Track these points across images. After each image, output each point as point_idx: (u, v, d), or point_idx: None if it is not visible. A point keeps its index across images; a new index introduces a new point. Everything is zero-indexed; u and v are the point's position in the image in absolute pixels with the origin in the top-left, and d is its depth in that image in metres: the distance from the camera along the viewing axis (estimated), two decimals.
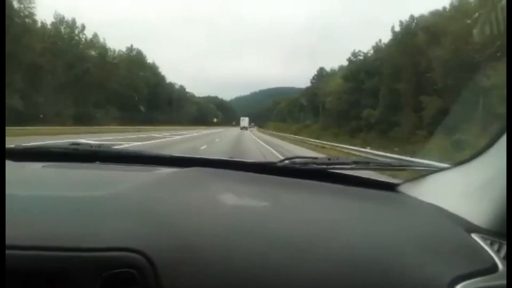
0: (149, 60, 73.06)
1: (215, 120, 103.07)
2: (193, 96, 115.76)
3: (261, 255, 0.64)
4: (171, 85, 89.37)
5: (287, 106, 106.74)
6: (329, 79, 63.32)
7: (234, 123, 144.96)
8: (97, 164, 1.17)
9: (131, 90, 57.47)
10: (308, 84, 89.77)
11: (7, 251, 0.56)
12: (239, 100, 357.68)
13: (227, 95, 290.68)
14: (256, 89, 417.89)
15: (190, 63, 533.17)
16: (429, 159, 6.24)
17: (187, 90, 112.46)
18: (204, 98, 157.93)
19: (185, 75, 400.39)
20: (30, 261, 0.57)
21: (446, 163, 1.07)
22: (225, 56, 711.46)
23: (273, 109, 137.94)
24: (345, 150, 17.47)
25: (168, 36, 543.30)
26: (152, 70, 72.15)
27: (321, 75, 79.18)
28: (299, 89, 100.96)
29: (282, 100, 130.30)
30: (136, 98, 56.62)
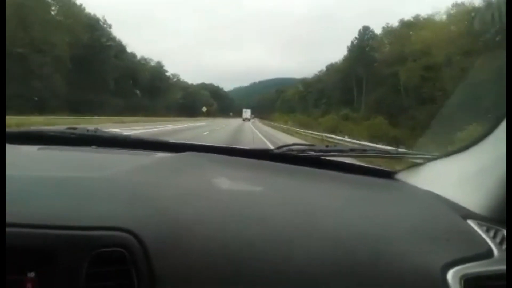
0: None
1: (204, 109, 74.60)
2: (179, 80, 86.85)
3: (254, 239, 0.62)
4: (134, 56, 60.51)
5: (296, 93, 79.43)
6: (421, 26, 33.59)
7: (231, 113, 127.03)
8: (93, 148, 1.13)
9: (28, 47, 28.42)
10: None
11: None
12: (238, 90, 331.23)
13: (226, 86, 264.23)
14: (256, 79, 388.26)
15: (188, 53, 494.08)
16: None
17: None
18: (197, 85, 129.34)
19: (182, 64, 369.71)
20: (18, 238, 0.56)
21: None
22: (224, 46, 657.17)
23: (276, 99, 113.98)
24: None
25: (164, 24, 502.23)
26: (86, 21, 42.61)
27: (363, 40, 49.21)
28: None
29: (287, 89, 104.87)
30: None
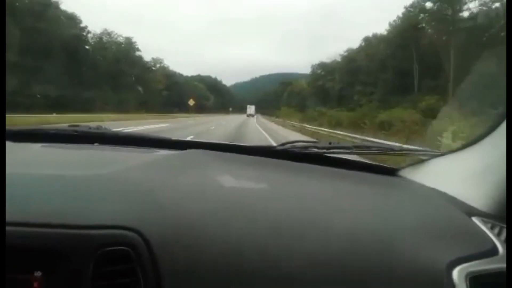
0: None
1: (191, 102, 54.81)
2: (163, 66, 67.00)
3: (258, 237, 0.62)
4: (74, 19, 40.29)
5: (311, 82, 60.77)
6: None
7: (231, 109, 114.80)
8: (95, 146, 1.11)
9: None
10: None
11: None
12: (238, 86, 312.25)
13: (226, 81, 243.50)
14: (257, 74, 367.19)
15: (186, 48, 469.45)
16: None
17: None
18: (192, 77, 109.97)
19: (180, 59, 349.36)
20: (23, 237, 0.55)
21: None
22: (223, 40, 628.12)
23: (280, 93, 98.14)
24: None
25: (162, 18, 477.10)
26: None
27: None
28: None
29: (294, 80, 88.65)
30: None
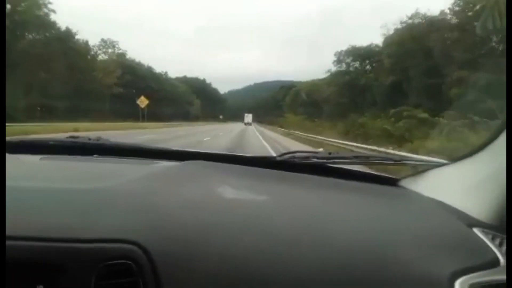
0: None
1: (142, 103, 33.29)
2: (121, 53, 45.74)
3: (258, 248, 0.61)
4: None
5: (337, 77, 40.58)
6: None
7: (221, 117, 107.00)
8: (95, 157, 1.10)
9: None
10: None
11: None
12: (232, 93, 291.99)
13: (220, 88, 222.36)
14: (251, 82, 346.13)
15: (178, 54, 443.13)
16: None
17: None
18: (179, 79, 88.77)
19: (173, 67, 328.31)
20: (25, 251, 0.54)
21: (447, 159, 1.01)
22: (216, 46, 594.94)
23: (281, 98, 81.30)
24: None
25: (154, 25, 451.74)
26: None
27: None
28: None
29: (298, 83, 73.39)
30: None
